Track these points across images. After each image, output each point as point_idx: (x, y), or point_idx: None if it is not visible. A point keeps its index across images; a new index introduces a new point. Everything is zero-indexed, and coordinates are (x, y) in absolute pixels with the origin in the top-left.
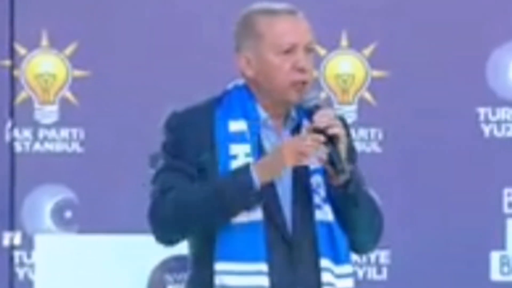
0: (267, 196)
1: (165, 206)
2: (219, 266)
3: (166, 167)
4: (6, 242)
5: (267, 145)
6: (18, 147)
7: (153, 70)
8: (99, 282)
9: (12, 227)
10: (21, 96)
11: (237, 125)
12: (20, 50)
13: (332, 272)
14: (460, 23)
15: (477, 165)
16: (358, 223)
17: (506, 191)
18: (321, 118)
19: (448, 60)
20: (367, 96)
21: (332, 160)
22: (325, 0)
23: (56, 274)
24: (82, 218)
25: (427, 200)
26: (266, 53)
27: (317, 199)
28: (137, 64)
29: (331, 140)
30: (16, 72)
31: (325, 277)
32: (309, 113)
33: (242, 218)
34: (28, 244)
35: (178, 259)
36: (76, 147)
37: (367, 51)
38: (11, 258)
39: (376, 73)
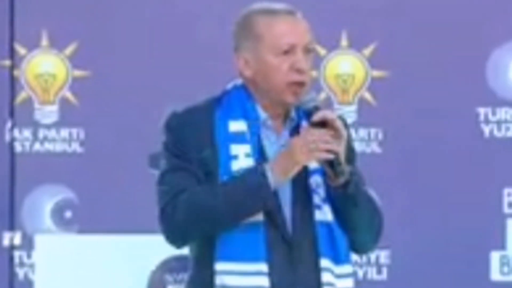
0: None
1: (178, 210)
2: (219, 266)
3: (171, 168)
4: (6, 242)
5: (267, 145)
6: (18, 147)
7: (153, 70)
8: (99, 282)
9: (12, 227)
10: (21, 96)
11: (237, 125)
12: (20, 50)
13: (332, 272)
14: (460, 23)
15: (477, 165)
16: (357, 223)
17: (506, 191)
18: (319, 114)
19: (448, 60)
20: (367, 96)
21: (331, 162)
22: (325, 0)
23: (56, 274)
24: (82, 218)
25: (427, 200)
26: (265, 54)
27: (316, 199)
28: (137, 64)
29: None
30: (16, 72)
31: (325, 277)
32: (309, 114)
33: None
34: (28, 244)
35: (179, 259)
36: (76, 147)
37: (367, 51)
38: (11, 258)
39: (376, 73)
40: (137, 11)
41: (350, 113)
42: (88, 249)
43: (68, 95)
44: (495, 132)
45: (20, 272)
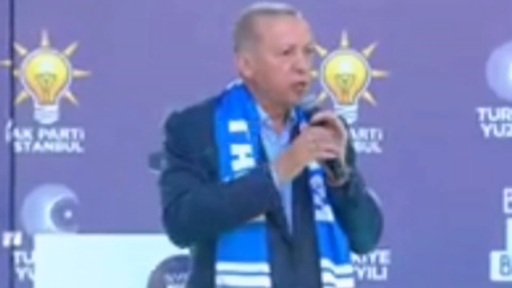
0: None
1: (182, 211)
2: (220, 266)
3: (173, 168)
4: (6, 242)
5: (267, 145)
6: (18, 147)
7: (153, 70)
8: (99, 282)
9: (12, 227)
10: (21, 96)
11: (237, 125)
12: (20, 50)
13: (332, 272)
14: (460, 23)
15: (477, 165)
16: (357, 223)
17: (506, 191)
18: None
19: (448, 60)
20: (367, 96)
21: (331, 164)
22: (325, 0)
23: (56, 274)
24: (82, 218)
25: (427, 200)
26: (265, 54)
27: (317, 200)
28: (137, 64)
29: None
30: (16, 72)
31: (326, 277)
32: (308, 116)
33: None
34: (28, 244)
35: (179, 259)
36: (76, 147)
37: (367, 51)
38: (11, 258)
39: (376, 73)
40: (137, 11)
41: (350, 113)
42: (88, 249)
43: (68, 95)
44: (495, 132)
45: (20, 272)
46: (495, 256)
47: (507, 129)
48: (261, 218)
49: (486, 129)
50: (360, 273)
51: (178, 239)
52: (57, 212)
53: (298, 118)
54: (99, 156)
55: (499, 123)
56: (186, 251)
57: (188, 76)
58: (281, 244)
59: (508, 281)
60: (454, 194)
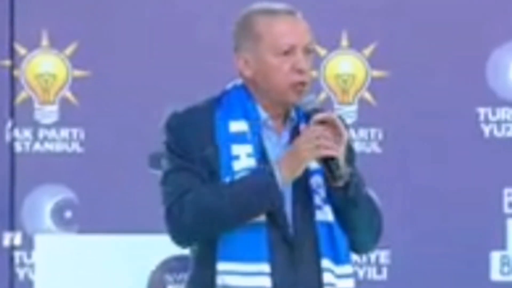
0: None
1: (185, 211)
2: (221, 266)
3: (174, 168)
4: (6, 242)
5: (268, 145)
6: (18, 147)
7: (153, 70)
8: (99, 282)
9: (12, 227)
10: (21, 96)
11: (238, 126)
12: (20, 50)
13: (332, 272)
14: (460, 23)
15: (477, 165)
16: (357, 223)
17: (506, 191)
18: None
19: (448, 60)
20: (367, 96)
21: (330, 167)
22: (325, 0)
23: (56, 274)
24: (82, 218)
25: (427, 200)
26: (265, 54)
27: (317, 200)
28: (137, 64)
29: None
30: (16, 72)
31: (326, 277)
32: (308, 116)
33: None
34: (28, 244)
35: (179, 259)
36: (76, 147)
37: (367, 51)
38: (11, 258)
39: (376, 73)
40: (137, 11)
41: (350, 113)
42: (88, 249)
43: (68, 95)
44: (495, 132)
45: (20, 272)
46: (495, 256)
47: (507, 129)
48: (262, 218)
49: (486, 129)
50: (360, 273)
51: (180, 239)
52: (57, 212)
53: (298, 118)
54: (99, 156)
55: (499, 123)
56: (186, 251)
57: (188, 76)
58: (281, 244)
59: (508, 281)
60: (454, 194)
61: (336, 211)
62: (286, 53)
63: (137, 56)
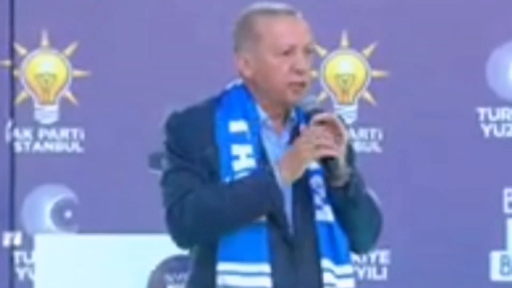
0: None
1: (185, 213)
2: (221, 266)
3: (175, 168)
4: (6, 242)
5: (268, 145)
6: (18, 147)
7: (153, 70)
8: (99, 282)
9: (12, 227)
10: (21, 96)
11: (237, 126)
12: (20, 50)
13: (333, 272)
14: (460, 23)
15: (477, 165)
16: (357, 223)
17: (506, 191)
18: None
19: (448, 60)
20: (367, 96)
21: (329, 166)
22: (325, 0)
23: (56, 274)
24: (82, 218)
25: (427, 200)
26: (265, 54)
27: (317, 200)
28: (137, 64)
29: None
30: (16, 72)
31: (326, 277)
32: (308, 117)
33: None
34: (28, 244)
35: (179, 259)
36: (76, 147)
37: (367, 51)
38: (11, 258)
39: (376, 73)
40: (137, 11)
41: (350, 113)
42: (88, 249)
43: (68, 95)
44: (495, 132)
45: (20, 272)
46: (495, 256)
47: (507, 129)
48: (262, 218)
49: (486, 129)
50: (360, 273)
51: (181, 240)
52: (57, 212)
53: (298, 118)
54: (99, 156)
55: (499, 123)
56: (186, 251)
57: (188, 76)
58: (282, 245)
59: (508, 281)
60: (454, 194)
61: (336, 211)
62: (286, 53)
63: (137, 56)
